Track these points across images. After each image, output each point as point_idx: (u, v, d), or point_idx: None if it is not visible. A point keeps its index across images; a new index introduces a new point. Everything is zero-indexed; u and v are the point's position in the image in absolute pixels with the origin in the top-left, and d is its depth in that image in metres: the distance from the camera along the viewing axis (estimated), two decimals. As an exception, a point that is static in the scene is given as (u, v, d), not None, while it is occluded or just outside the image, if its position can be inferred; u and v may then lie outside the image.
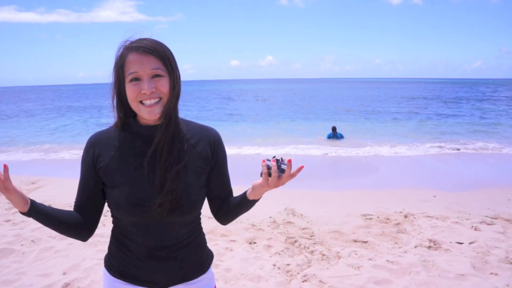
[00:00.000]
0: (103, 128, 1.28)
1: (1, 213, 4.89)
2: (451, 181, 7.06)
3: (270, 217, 4.64)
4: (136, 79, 1.13)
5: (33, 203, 1.12)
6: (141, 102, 1.14)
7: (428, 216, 4.66)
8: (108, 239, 1.33)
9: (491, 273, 3.20)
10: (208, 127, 1.31)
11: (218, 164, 1.29)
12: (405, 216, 4.65)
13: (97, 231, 1.21)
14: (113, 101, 1.23)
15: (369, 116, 20.34)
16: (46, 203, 5.26)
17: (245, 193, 1.25)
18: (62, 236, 4.01)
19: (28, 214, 1.11)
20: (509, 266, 3.30)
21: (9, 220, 4.58)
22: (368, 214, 4.75)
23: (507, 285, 2.98)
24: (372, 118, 19.51)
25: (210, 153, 1.27)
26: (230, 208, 1.31)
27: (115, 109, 1.24)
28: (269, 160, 1.13)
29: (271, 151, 10.39)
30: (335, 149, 10.62)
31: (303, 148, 10.82)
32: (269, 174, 1.13)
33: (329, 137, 12.16)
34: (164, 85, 1.14)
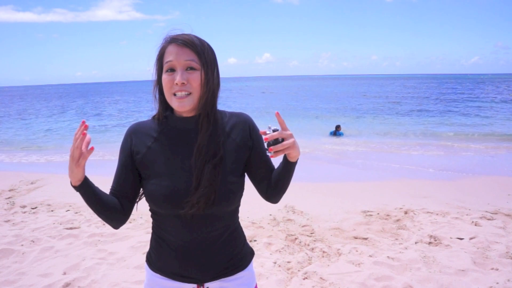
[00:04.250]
0: (144, 120, 1.31)
1: (1, 213, 4.88)
2: (447, 172, 7.09)
3: (270, 214, 4.64)
4: (171, 69, 1.16)
5: (86, 179, 1.15)
6: (174, 94, 1.17)
7: (428, 212, 4.67)
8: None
9: (492, 268, 3.20)
10: (239, 113, 1.31)
11: (256, 146, 1.29)
12: (405, 212, 4.65)
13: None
14: (154, 93, 1.25)
15: (362, 113, 20.43)
16: (45, 203, 5.26)
17: (285, 157, 1.23)
18: (62, 236, 4.00)
19: (78, 187, 1.14)
20: (510, 261, 3.30)
21: (8, 221, 4.57)
22: (368, 211, 4.75)
23: (508, 280, 2.99)
24: (367, 115, 19.57)
25: (246, 138, 1.27)
26: (276, 181, 1.29)
27: (156, 101, 1.27)
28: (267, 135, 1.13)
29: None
30: (333, 144, 11.14)
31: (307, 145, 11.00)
32: (274, 143, 1.12)
33: (331, 134, 12.81)
34: (195, 78, 1.15)
